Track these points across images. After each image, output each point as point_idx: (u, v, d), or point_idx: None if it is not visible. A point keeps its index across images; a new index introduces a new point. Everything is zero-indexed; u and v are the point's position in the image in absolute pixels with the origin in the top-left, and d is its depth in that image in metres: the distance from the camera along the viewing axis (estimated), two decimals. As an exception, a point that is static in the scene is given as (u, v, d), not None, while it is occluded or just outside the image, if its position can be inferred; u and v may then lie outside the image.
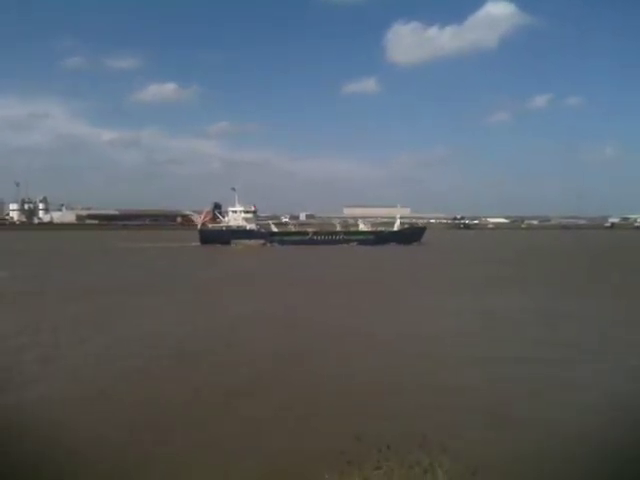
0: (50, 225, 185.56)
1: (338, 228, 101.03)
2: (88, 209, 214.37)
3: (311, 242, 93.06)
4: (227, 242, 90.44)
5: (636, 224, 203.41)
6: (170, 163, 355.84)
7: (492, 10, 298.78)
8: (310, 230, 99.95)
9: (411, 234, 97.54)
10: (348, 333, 21.32)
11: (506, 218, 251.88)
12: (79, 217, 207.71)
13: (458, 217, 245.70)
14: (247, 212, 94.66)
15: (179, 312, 27.03)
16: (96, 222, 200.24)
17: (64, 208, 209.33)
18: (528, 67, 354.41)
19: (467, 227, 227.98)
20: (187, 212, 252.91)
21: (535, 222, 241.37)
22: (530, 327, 22.77)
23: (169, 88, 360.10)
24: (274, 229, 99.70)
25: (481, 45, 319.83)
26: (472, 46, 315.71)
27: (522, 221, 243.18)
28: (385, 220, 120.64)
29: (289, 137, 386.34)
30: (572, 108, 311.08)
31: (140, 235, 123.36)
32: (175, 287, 37.75)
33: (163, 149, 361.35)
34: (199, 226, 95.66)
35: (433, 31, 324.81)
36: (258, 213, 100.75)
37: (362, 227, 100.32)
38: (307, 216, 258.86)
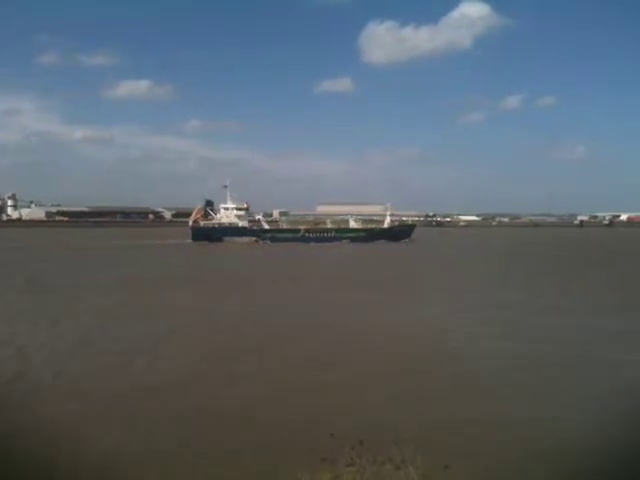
0: (19, 222, 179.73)
1: (329, 225, 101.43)
2: (58, 206, 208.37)
3: (303, 239, 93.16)
4: (219, 239, 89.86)
5: (605, 222, 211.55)
6: (144, 160, 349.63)
7: (467, 10, 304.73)
8: (302, 227, 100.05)
9: (401, 231, 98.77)
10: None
11: (477, 216, 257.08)
12: (48, 214, 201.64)
13: (430, 214, 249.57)
14: (239, 209, 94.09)
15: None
16: (66, 219, 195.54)
17: (33, 205, 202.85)
18: (502, 67, 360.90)
19: (439, 224, 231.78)
20: (159, 209, 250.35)
21: (506, 220, 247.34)
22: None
23: (144, 85, 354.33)
24: (265, 226, 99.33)
25: (456, 45, 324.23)
26: (447, 46, 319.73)
27: (493, 219, 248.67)
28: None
29: (265, 136, 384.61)
30: (545, 108, 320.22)
31: (125, 233, 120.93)
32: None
33: (137, 146, 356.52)
34: (190, 223, 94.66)
35: (408, 31, 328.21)
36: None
37: (353, 224, 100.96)
38: (281, 213, 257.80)
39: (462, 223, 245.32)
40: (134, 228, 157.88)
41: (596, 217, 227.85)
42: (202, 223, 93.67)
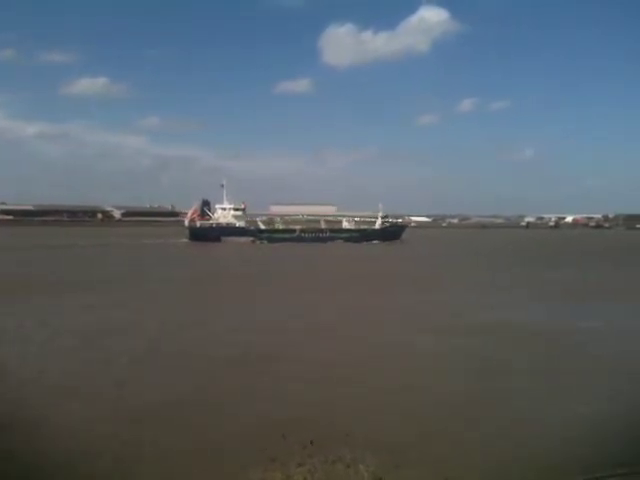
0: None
1: (323, 226, 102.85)
2: (2, 204, 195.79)
3: (299, 239, 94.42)
4: (217, 239, 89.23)
5: (550, 223, 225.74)
6: (98, 158, 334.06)
7: (425, 15, 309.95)
8: (297, 228, 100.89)
9: (393, 232, 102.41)
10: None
11: (427, 217, 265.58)
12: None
13: (383, 215, 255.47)
14: (237, 209, 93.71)
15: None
16: (10, 218, 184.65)
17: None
18: (458, 71, 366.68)
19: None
20: (108, 208, 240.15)
21: (455, 221, 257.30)
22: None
23: (100, 82, 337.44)
24: (261, 226, 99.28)
25: (414, 49, 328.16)
26: (405, 50, 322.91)
27: (443, 220, 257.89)
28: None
29: (223, 135, 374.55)
30: (497, 111, 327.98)
31: (89, 232, 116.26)
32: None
33: (91, 144, 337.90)
34: (186, 223, 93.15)
35: (367, 34, 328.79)
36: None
37: (346, 225, 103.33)
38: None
39: (413, 224, 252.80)
40: (89, 228, 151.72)
41: (542, 219, 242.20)
42: (199, 223, 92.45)
